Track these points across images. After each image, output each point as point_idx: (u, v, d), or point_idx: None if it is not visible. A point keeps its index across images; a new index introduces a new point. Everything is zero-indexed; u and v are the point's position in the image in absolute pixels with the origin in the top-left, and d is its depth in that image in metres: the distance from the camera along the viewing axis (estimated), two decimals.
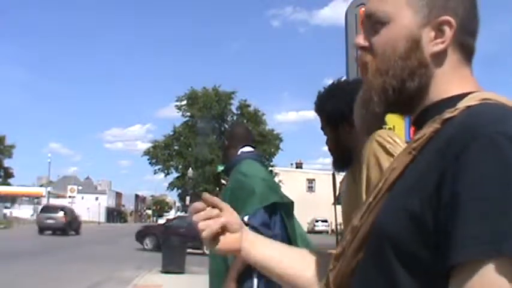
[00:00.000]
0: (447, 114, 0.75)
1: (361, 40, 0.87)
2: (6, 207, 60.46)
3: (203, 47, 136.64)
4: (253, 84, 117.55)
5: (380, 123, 1.68)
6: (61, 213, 30.85)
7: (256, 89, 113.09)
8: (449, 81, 0.83)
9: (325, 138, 1.89)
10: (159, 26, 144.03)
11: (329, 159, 1.93)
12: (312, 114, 1.90)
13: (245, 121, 31.60)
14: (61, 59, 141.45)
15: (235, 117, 32.43)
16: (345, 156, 1.83)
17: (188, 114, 30.78)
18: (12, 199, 71.06)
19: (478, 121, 0.70)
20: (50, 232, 30.01)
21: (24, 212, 72.76)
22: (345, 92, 1.73)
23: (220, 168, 18.53)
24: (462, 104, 0.75)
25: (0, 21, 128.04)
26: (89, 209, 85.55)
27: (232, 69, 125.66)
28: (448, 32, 0.82)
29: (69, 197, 65.39)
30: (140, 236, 21.42)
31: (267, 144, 30.99)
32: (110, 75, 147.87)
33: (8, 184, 61.10)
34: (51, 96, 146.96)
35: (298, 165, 59.94)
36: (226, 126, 32.33)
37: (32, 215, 71.00)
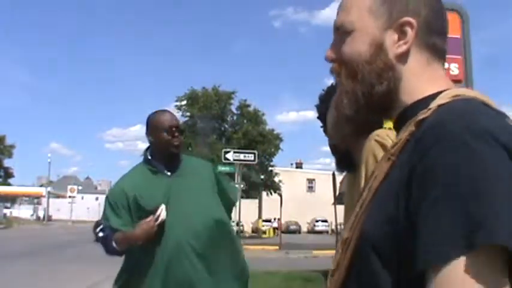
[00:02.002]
0: (421, 115, 0.76)
1: (329, 53, 0.91)
2: (6, 207, 60.42)
3: (204, 47, 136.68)
4: (254, 84, 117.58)
5: (376, 124, 1.68)
6: None
7: (257, 89, 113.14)
8: (421, 82, 0.85)
9: (325, 138, 1.89)
10: (159, 26, 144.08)
11: (329, 159, 1.94)
12: (312, 115, 1.90)
13: (245, 121, 31.59)
14: (61, 59, 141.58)
15: (235, 117, 32.41)
16: (346, 158, 1.83)
17: (188, 114, 30.76)
18: (12, 199, 71.05)
19: (445, 119, 0.71)
20: None
21: (24, 212, 72.79)
22: None
23: (221, 168, 18.54)
24: (434, 104, 0.77)
25: (0, 21, 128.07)
26: (89, 209, 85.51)
27: (233, 69, 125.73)
28: (410, 33, 0.84)
29: (69, 197, 65.23)
30: None
31: (267, 144, 30.93)
32: (111, 76, 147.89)
33: (8, 184, 61.05)
34: (52, 96, 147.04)
35: (298, 165, 59.91)
36: (226, 126, 32.34)
37: (32, 215, 71.10)
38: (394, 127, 0.88)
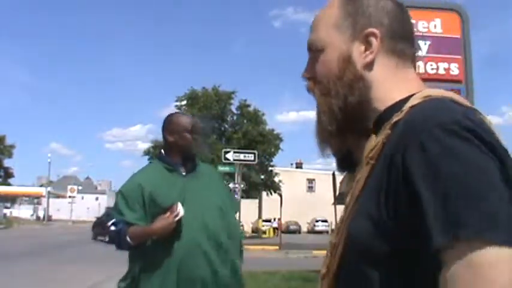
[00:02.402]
0: (394, 118, 0.80)
1: (304, 73, 0.96)
2: (6, 207, 60.40)
3: (204, 47, 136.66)
4: (254, 84, 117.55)
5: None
6: None
7: (257, 89, 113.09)
8: (390, 88, 0.88)
9: None
10: (160, 26, 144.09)
11: (329, 159, 1.93)
12: (312, 115, 1.89)
13: (245, 121, 31.58)
14: (62, 59, 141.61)
15: (235, 117, 32.41)
16: (347, 158, 1.83)
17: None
18: (12, 199, 71.02)
19: (418, 118, 0.75)
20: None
21: (24, 212, 72.77)
22: None
23: (221, 168, 18.53)
24: (406, 106, 0.80)
25: (1, 21, 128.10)
26: (89, 209, 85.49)
27: (233, 69, 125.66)
28: (375, 42, 0.88)
29: (69, 197, 65.23)
30: None
31: (267, 144, 30.92)
32: (111, 76, 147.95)
33: (8, 184, 61.00)
34: (52, 96, 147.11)
35: (298, 165, 59.89)
36: (226, 126, 32.33)
37: (32, 215, 71.07)
38: (372, 134, 0.89)
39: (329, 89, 0.90)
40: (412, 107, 0.79)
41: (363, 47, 0.88)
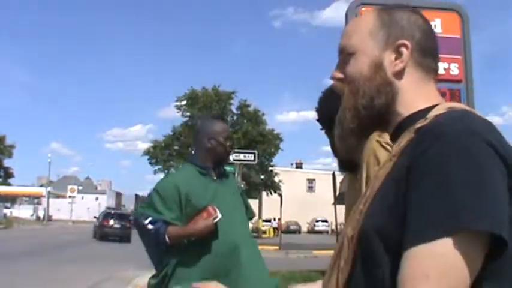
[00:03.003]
0: (419, 124, 0.88)
1: (336, 73, 1.03)
2: (6, 207, 60.40)
3: (204, 47, 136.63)
4: (254, 84, 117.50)
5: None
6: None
7: (257, 89, 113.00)
8: (416, 96, 0.96)
9: (325, 138, 1.90)
10: (160, 26, 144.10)
11: (329, 159, 1.94)
12: (312, 115, 1.90)
13: (245, 121, 31.58)
14: (62, 59, 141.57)
15: (235, 117, 32.41)
16: (346, 158, 1.83)
17: (188, 114, 30.75)
18: (12, 199, 71.05)
19: (442, 124, 0.84)
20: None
21: (24, 212, 72.76)
22: (339, 96, 1.73)
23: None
24: (431, 114, 0.89)
25: (0, 20, 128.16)
26: (89, 209, 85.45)
27: (233, 69, 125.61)
28: (406, 53, 0.97)
29: (69, 197, 65.22)
30: None
31: (267, 144, 30.92)
32: (111, 75, 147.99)
33: (8, 184, 61.02)
34: (52, 96, 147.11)
35: (298, 165, 59.93)
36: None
37: (32, 215, 71.09)
38: (390, 137, 0.98)
39: (358, 89, 0.98)
40: (437, 115, 0.87)
41: (393, 56, 0.97)
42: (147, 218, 2.57)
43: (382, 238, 0.83)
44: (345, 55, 1.01)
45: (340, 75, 1.02)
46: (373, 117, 0.98)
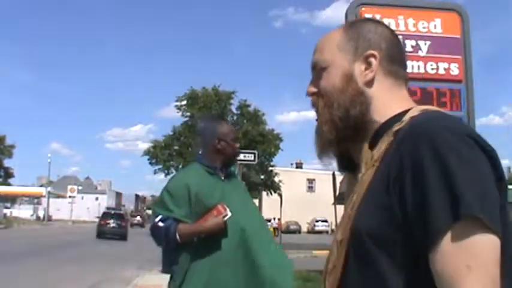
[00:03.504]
0: (396, 127, 0.92)
1: (310, 88, 1.08)
2: (6, 207, 60.36)
3: (205, 47, 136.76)
4: (254, 84, 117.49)
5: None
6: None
7: (257, 89, 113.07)
8: (389, 103, 1.00)
9: None
10: (160, 26, 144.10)
11: (329, 161, 1.93)
12: (312, 115, 1.89)
13: (245, 121, 31.56)
14: (62, 59, 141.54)
15: (235, 117, 32.39)
16: (345, 159, 1.83)
17: (188, 114, 30.72)
18: (12, 199, 71.01)
19: (420, 123, 0.87)
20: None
21: (24, 212, 72.73)
22: None
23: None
24: (407, 117, 0.93)
25: (1, 21, 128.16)
26: (89, 209, 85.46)
27: (233, 70, 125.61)
28: (374, 63, 1.01)
29: (69, 197, 65.26)
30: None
31: (267, 144, 30.88)
32: (111, 75, 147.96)
33: (8, 184, 61.01)
34: (52, 96, 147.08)
35: (298, 165, 59.91)
36: None
37: (32, 215, 71.05)
38: (369, 145, 1.00)
39: (332, 101, 1.02)
40: (412, 117, 0.91)
41: (363, 67, 1.02)
42: (157, 216, 2.61)
43: (374, 239, 0.85)
44: (318, 70, 1.06)
45: (315, 90, 1.06)
46: (350, 127, 1.01)
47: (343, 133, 1.02)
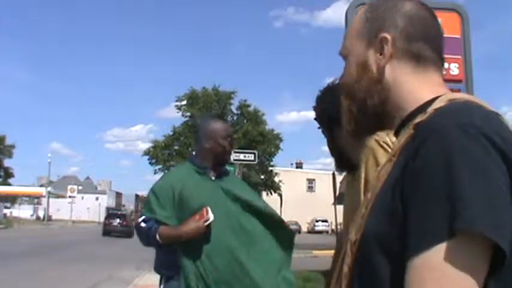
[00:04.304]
0: (418, 119, 0.82)
1: (339, 79, 1.03)
2: (6, 207, 60.37)
3: (205, 47, 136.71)
4: (255, 84, 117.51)
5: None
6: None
7: (257, 89, 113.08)
8: (415, 90, 0.89)
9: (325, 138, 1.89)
10: (160, 26, 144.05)
11: (329, 159, 1.93)
12: (313, 115, 1.90)
13: (245, 121, 31.56)
14: (62, 59, 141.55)
15: (235, 117, 32.39)
16: (343, 158, 1.83)
17: (188, 114, 30.73)
18: (12, 199, 70.99)
19: (437, 119, 0.78)
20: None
21: (24, 212, 72.75)
22: (335, 94, 1.73)
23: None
24: (431, 108, 0.82)
25: (1, 21, 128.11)
26: (89, 209, 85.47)
27: (233, 70, 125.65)
28: (386, 48, 0.90)
29: (69, 197, 65.23)
30: None
31: (267, 144, 30.89)
32: (111, 75, 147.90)
33: (8, 184, 60.97)
34: (53, 97, 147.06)
35: (298, 165, 59.91)
36: None
37: (32, 215, 71.08)
38: (395, 135, 0.93)
39: (350, 92, 0.95)
40: (436, 109, 0.81)
41: (378, 52, 0.91)
42: (141, 217, 2.62)
43: (381, 245, 0.78)
44: (344, 60, 0.99)
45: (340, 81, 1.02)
46: (369, 118, 0.94)
47: (363, 124, 0.95)
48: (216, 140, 2.67)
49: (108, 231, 31.47)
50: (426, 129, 0.77)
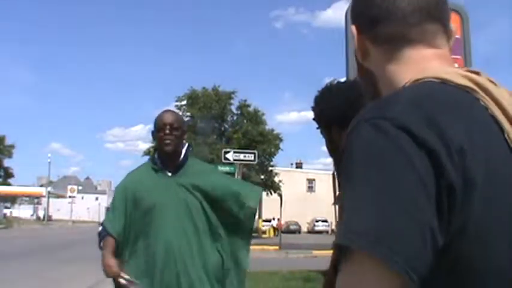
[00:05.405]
0: None
1: None
2: (6, 207, 60.38)
3: (205, 47, 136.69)
4: (255, 84, 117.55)
5: None
6: None
7: (257, 89, 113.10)
8: (396, 75, 0.79)
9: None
10: (161, 26, 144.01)
11: (329, 159, 1.93)
12: (312, 115, 1.90)
13: (245, 121, 31.57)
14: (63, 60, 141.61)
15: (235, 117, 32.40)
16: (341, 159, 1.82)
17: (188, 114, 30.74)
18: (12, 199, 71.00)
19: (363, 112, 0.69)
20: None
21: (24, 212, 72.78)
22: (333, 95, 1.73)
23: (221, 168, 18.50)
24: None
25: (2, 21, 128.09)
26: (89, 209, 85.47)
27: (233, 69, 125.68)
28: (355, 38, 0.84)
29: (69, 197, 65.24)
30: None
31: (267, 144, 30.90)
32: (111, 75, 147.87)
33: (8, 184, 60.97)
34: (53, 97, 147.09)
35: (298, 165, 59.88)
36: (226, 126, 32.32)
37: (32, 215, 71.08)
38: None
39: (364, 96, 0.92)
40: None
41: (355, 47, 0.87)
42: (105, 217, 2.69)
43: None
44: None
45: None
46: None
47: None
48: (155, 132, 2.54)
49: None
50: (350, 126, 0.69)
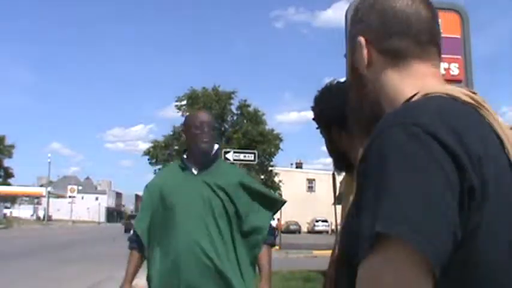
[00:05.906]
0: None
1: None
2: (6, 207, 60.37)
3: (205, 47, 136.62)
4: (255, 84, 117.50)
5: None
6: None
7: (257, 89, 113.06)
8: (398, 88, 0.85)
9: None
10: (161, 26, 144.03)
11: (329, 159, 1.92)
12: (312, 115, 1.89)
13: (245, 121, 31.58)
14: (63, 60, 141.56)
15: (235, 117, 32.40)
16: (341, 158, 1.82)
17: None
18: (12, 199, 71.00)
19: (387, 118, 0.74)
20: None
21: (24, 212, 72.78)
22: (333, 95, 1.72)
23: None
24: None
25: (3, 22, 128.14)
26: (89, 209, 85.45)
27: (233, 69, 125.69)
28: (361, 51, 0.88)
29: (69, 197, 65.25)
30: None
31: (267, 144, 30.90)
32: (112, 75, 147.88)
33: (8, 184, 60.96)
34: (53, 97, 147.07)
35: (298, 165, 59.88)
36: (226, 126, 32.33)
37: (32, 215, 71.07)
38: None
39: (351, 98, 0.95)
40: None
41: (360, 56, 0.89)
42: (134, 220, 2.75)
43: (349, 251, 0.74)
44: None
45: None
46: (369, 120, 0.90)
47: (363, 126, 0.94)
48: (189, 129, 2.59)
49: (129, 229, 33.53)
50: (374, 131, 0.72)
